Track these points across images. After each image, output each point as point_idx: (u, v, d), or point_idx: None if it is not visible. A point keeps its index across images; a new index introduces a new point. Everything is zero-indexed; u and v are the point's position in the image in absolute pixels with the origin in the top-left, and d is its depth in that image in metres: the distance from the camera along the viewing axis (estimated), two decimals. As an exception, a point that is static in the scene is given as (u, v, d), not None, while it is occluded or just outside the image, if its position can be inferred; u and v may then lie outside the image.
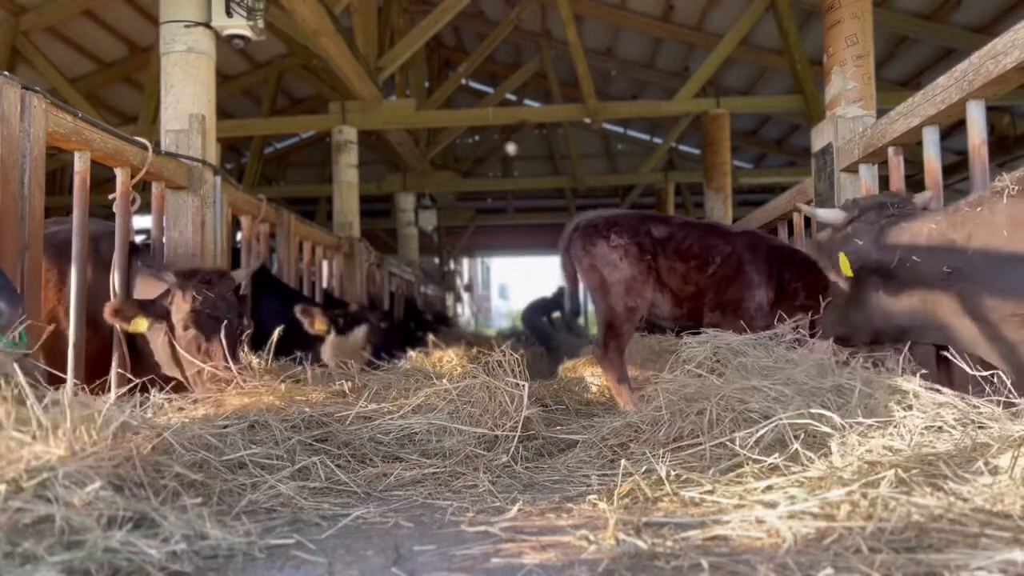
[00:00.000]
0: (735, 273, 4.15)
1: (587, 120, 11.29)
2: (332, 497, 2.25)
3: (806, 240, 3.40)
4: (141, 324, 3.47)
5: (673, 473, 2.18)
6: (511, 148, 17.30)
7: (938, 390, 2.39)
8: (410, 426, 2.80)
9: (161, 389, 3.00)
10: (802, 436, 2.23)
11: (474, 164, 19.21)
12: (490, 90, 16.34)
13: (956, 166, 11.53)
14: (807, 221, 4.70)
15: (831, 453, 2.10)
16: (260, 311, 4.76)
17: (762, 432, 2.29)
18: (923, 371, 2.57)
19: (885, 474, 1.80)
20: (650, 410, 2.79)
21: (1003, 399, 2.25)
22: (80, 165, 3.45)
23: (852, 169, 4.13)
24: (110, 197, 3.75)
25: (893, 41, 10.52)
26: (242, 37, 5.37)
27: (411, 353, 5.70)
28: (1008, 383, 2.30)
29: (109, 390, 3.40)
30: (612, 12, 11.51)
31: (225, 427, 2.52)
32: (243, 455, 2.36)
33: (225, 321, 3.50)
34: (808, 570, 1.47)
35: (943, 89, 3.08)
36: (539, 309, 12.14)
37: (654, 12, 11.35)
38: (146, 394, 2.85)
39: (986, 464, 1.89)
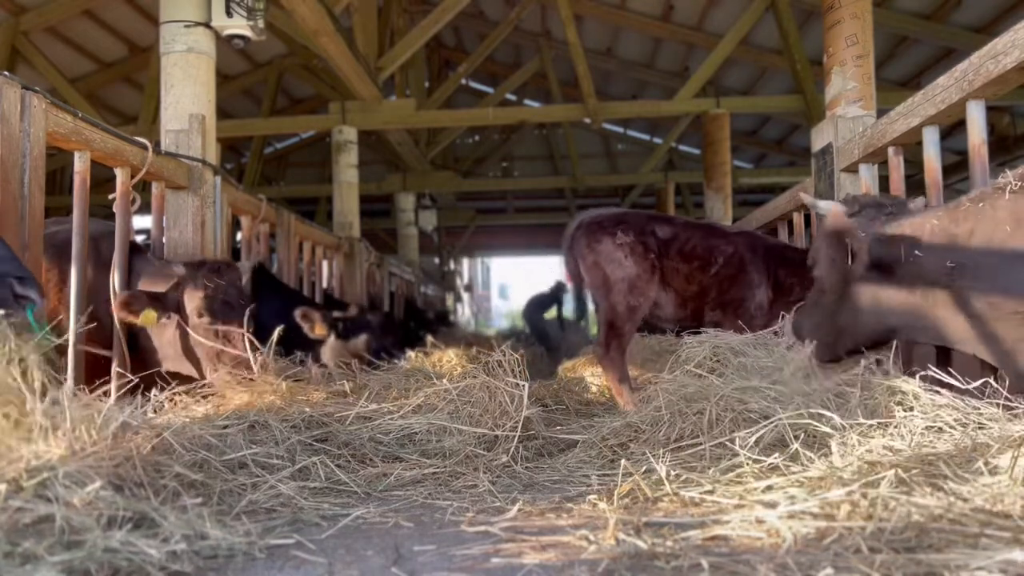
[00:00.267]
0: (737, 272, 4.17)
1: (587, 120, 11.28)
2: (332, 497, 2.25)
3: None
4: (150, 317, 3.45)
5: (673, 473, 2.18)
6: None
7: (937, 391, 2.38)
8: (410, 426, 2.80)
9: (162, 389, 3.00)
10: (802, 436, 2.23)
11: (474, 164, 19.20)
12: (490, 90, 16.34)
13: (956, 166, 11.53)
14: (807, 221, 4.70)
15: (831, 453, 2.10)
16: (260, 311, 4.75)
17: (762, 432, 2.29)
18: (923, 372, 2.55)
19: (885, 474, 1.80)
20: (650, 410, 2.79)
21: (1002, 400, 2.25)
22: (80, 165, 3.45)
23: (852, 169, 4.13)
24: (110, 197, 3.75)
25: (893, 41, 10.52)
26: (242, 37, 5.37)
27: (411, 353, 5.69)
28: (1007, 383, 2.30)
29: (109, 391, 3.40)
30: (612, 12, 11.51)
31: (225, 427, 2.53)
32: (243, 455, 2.36)
33: (239, 306, 3.54)
34: (808, 570, 1.47)
35: (943, 89, 3.08)
36: (539, 305, 12.10)
37: (654, 12, 11.35)
38: (147, 393, 2.85)
39: (986, 464, 1.89)
